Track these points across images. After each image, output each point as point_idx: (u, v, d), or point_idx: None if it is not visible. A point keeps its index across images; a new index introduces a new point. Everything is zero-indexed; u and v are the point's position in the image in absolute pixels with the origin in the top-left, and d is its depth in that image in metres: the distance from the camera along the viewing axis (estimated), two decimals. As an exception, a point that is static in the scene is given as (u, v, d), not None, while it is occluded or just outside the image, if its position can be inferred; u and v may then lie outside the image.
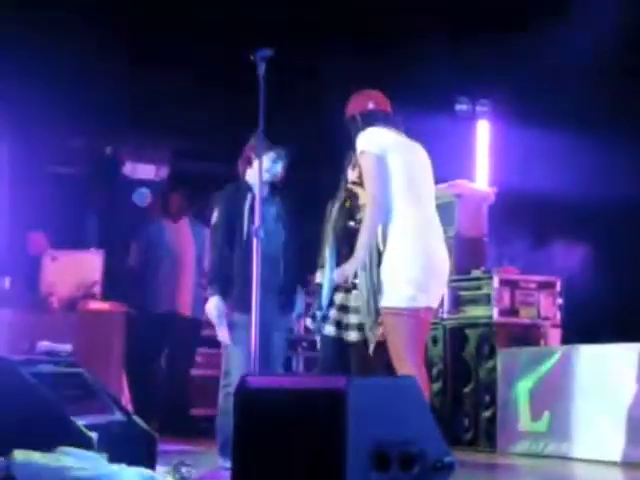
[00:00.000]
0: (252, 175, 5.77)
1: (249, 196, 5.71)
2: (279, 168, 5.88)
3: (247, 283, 5.30)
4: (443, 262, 5.26)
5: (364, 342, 5.77)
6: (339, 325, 5.88)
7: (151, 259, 8.88)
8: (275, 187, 5.95)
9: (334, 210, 6.04)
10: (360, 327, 5.78)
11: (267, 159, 5.77)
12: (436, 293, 5.26)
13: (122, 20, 8.90)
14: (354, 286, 5.72)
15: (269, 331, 5.66)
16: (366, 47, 9.11)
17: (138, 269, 8.93)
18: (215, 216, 5.87)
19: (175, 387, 8.77)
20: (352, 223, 5.88)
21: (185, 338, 8.82)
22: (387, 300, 5.14)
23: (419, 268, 5.11)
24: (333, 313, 5.89)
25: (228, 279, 5.74)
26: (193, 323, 8.80)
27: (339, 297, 5.90)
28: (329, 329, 5.89)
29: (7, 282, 7.79)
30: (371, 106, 5.41)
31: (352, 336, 5.84)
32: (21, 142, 8.76)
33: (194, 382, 8.98)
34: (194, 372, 9.04)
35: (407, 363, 5.06)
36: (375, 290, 5.44)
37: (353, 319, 5.83)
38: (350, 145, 5.45)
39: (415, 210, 5.20)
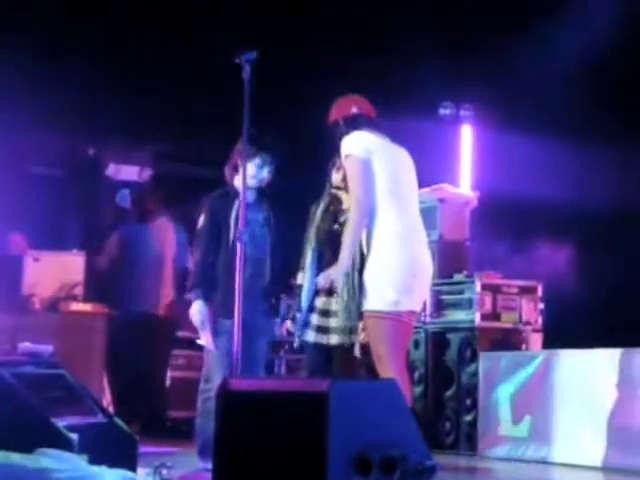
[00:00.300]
0: (240, 180, 5.76)
1: (237, 202, 5.70)
2: (265, 174, 5.86)
3: (232, 288, 5.29)
4: (426, 266, 5.26)
5: (346, 345, 5.77)
6: (320, 330, 5.87)
7: (127, 260, 8.85)
8: (263, 192, 5.93)
9: (318, 213, 6.03)
10: (342, 330, 5.78)
11: (252, 165, 5.76)
12: (419, 297, 5.26)
13: (106, 21, 8.88)
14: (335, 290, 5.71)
15: (253, 336, 5.65)
16: (350, 51, 9.12)
17: (111, 270, 8.87)
18: (202, 220, 5.86)
19: (153, 389, 8.75)
20: (336, 226, 5.87)
21: (161, 339, 8.81)
22: (370, 304, 5.14)
23: (403, 272, 5.11)
24: (315, 318, 5.88)
25: (212, 284, 5.73)
26: (168, 324, 8.79)
27: (321, 301, 5.89)
28: (310, 335, 5.88)
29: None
30: (354, 110, 5.42)
31: (334, 339, 5.83)
32: (3, 143, 8.73)
33: (174, 384, 8.96)
34: (174, 374, 9.02)
35: (389, 366, 5.06)
36: (356, 294, 5.44)
37: (334, 323, 5.83)
38: (333, 149, 5.45)
39: (399, 214, 5.20)
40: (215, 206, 5.80)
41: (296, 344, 6.07)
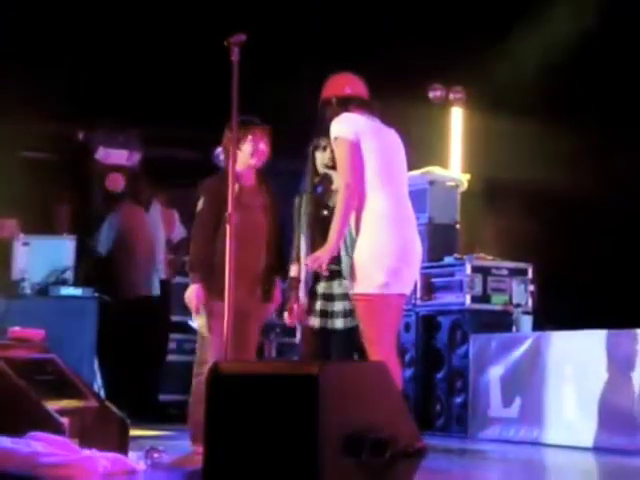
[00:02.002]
0: (242, 158, 5.74)
1: (236, 186, 5.68)
2: (262, 146, 5.83)
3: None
4: (416, 249, 5.25)
5: (349, 329, 5.77)
6: (324, 314, 5.87)
7: (122, 246, 8.84)
8: (262, 175, 5.91)
9: (304, 200, 6.01)
10: (346, 314, 5.77)
11: (248, 143, 5.75)
12: (408, 280, 5.26)
13: (93, 4, 8.85)
14: (338, 273, 5.71)
15: (247, 320, 5.65)
16: (340, 33, 9.10)
17: (107, 255, 8.87)
18: (200, 204, 5.84)
19: (145, 373, 8.77)
20: (325, 212, 5.86)
21: (155, 324, 8.82)
22: (359, 287, 5.14)
23: (392, 255, 5.10)
24: (318, 304, 5.87)
25: (210, 268, 5.71)
26: (162, 308, 8.80)
27: (322, 286, 5.89)
28: (314, 321, 5.87)
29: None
30: (348, 91, 5.38)
31: (338, 323, 5.82)
32: (-7, 127, 8.71)
33: (166, 368, 8.98)
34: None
35: (378, 350, 5.06)
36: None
37: (339, 306, 5.82)
38: (320, 128, 5.42)
39: (388, 197, 5.18)
40: (214, 190, 5.77)
41: (299, 333, 6.06)
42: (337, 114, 5.29)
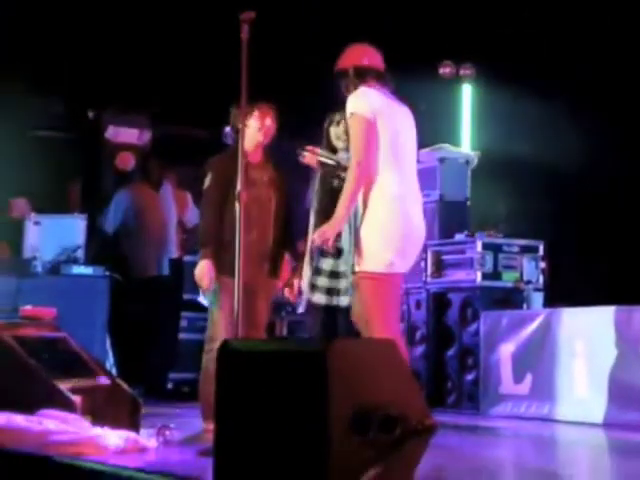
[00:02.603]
0: (249, 134, 5.74)
1: (244, 161, 5.68)
2: (268, 122, 5.83)
3: (236, 248, 5.28)
4: (421, 230, 5.24)
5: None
6: (330, 292, 5.87)
7: (130, 225, 8.84)
8: (268, 152, 5.91)
9: (317, 179, 6.02)
10: (350, 291, 5.77)
11: (254, 119, 5.75)
12: (411, 260, 5.25)
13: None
14: (341, 250, 5.71)
15: (255, 296, 5.66)
16: (349, 11, 9.07)
17: (115, 234, 8.86)
18: (208, 180, 5.84)
19: (157, 351, 8.79)
20: (335, 182, 5.85)
21: (167, 302, 8.84)
22: (365, 264, 5.12)
23: (398, 234, 5.09)
24: (323, 280, 5.87)
25: (218, 244, 5.72)
26: (174, 287, 8.81)
27: (329, 263, 5.88)
28: (319, 297, 5.87)
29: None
30: (366, 62, 5.31)
31: (344, 301, 5.83)
32: (2, 107, 8.71)
33: (178, 346, 9.00)
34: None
35: (383, 327, 5.06)
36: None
37: (344, 284, 5.83)
38: (336, 97, 5.38)
39: (397, 176, 5.17)
40: (221, 166, 5.78)
41: (302, 308, 6.06)
42: (354, 85, 5.24)
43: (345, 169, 5.43)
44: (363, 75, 5.28)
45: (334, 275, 5.87)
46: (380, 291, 5.08)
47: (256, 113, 5.78)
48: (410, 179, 5.25)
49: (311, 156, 5.86)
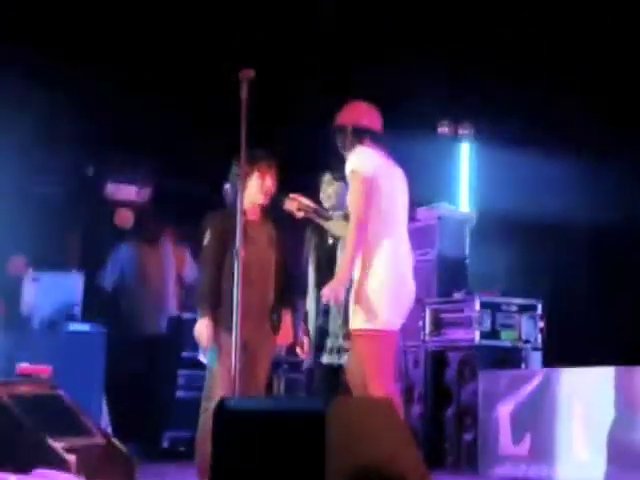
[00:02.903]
0: (249, 194, 5.74)
1: (243, 219, 5.69)
2: (268, 183, 5.83)
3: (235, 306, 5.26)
4: (412, 289, 5.32)
5: None
6: (331, 351, 5.87)
7: (128, 281, 8.82)
8: (267, 211, 5.91)
9: (312, 238, 6.04)
10: (348, 350, 5.76)
11: (254, 180, 5.76)
12: (403, 317, 5.32)
13: (103, 42, 8.90)
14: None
15: (255, 354, 5.64)
16: (348, 68, 9.13)
17: (112, 291, 8.85)
18: (207, 237, 5.84)
19: (153, 410, 8.72)
20: (330, 241, 5.87)
21: (164, 360, 8.79)
22: (363, 322, 5.13)
23: (395, 293, 5.16)
24: (328, 341, 5.88)
25: (217, 301, 5.71)
26: (172, 345, 8.77)
27: (330, 323, 5.89)
28: (326, 357, 5.88)
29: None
30: (365, 122, 5.36)
31: (345, 359, 5.82)
32: (3, 162, 8.73)
33: (175, 404, 8.93)
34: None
35: (380, 385, 5.06)
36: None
37: (345, 343, 5.82)
38: (330, 153, 5.42)
39: (392, 236, 5.24)
40: (220, 223, 5.77)
41: (306, 365, 6.05)
42: (351, 143, 5.30)
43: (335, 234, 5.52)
44: (361, 135, 5.33)
45: (334, 334, 5.86)
46: (378, 348, 5.09)
47: (256, 174, 5.78)
48: (404, 239, 5.32)
49: (291, 202, 5.85)
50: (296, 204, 5.82)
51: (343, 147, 5.35)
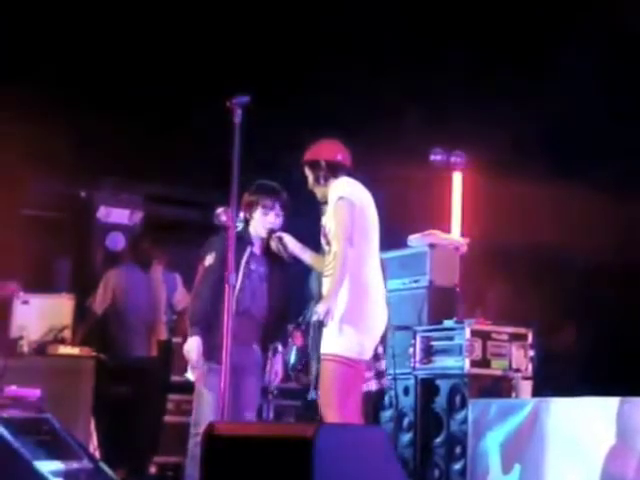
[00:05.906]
0: (254, 226, 5.80)
1: (248, 249, 5.73)
2: (271, 219, 5.87)
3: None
4: (384, 319, 5.41)
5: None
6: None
7: (118, 305, 8.79)
8: (267, 246, 5.92)
9: (313, 274, 6.09)
10: None
11: (258, 213, 5.81)
12: (373, 348, 5.42)
13: (98, 67, 8.93)
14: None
15: (244, 378, 5.65)
16: (340, 97, 9.15)
17: (102, 315, 8.82)
18: (211, 258, 5.84)
19: (147, 434, 8.69)
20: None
21: (154, 385, 8.76)
22: (336, 347, 5.19)
23: (369, 322, 5.27)
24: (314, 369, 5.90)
25: (209, 324, 5.70)
26: (162, 370, 8.75)
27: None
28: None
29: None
30: (339, 158, 5.56)
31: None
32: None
33: (163, 429, 8.90)
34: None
35: (343, 413, 5.10)
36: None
37: None
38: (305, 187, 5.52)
39: (369, 264, 5.40)
40: (226, 249, 5.78)
41: (310, 396, 6.07)
42: (324, 178, 5.45)
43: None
44: (335, 170, 5.50)
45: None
46: (345, 375, 5.17)
47: (260, 209, 5.82)
48: (378, 269, 5.46)
49: (276, 244, 5.88)
50: (274, 245, 5.85)
51: (316, 181, 5.49)
